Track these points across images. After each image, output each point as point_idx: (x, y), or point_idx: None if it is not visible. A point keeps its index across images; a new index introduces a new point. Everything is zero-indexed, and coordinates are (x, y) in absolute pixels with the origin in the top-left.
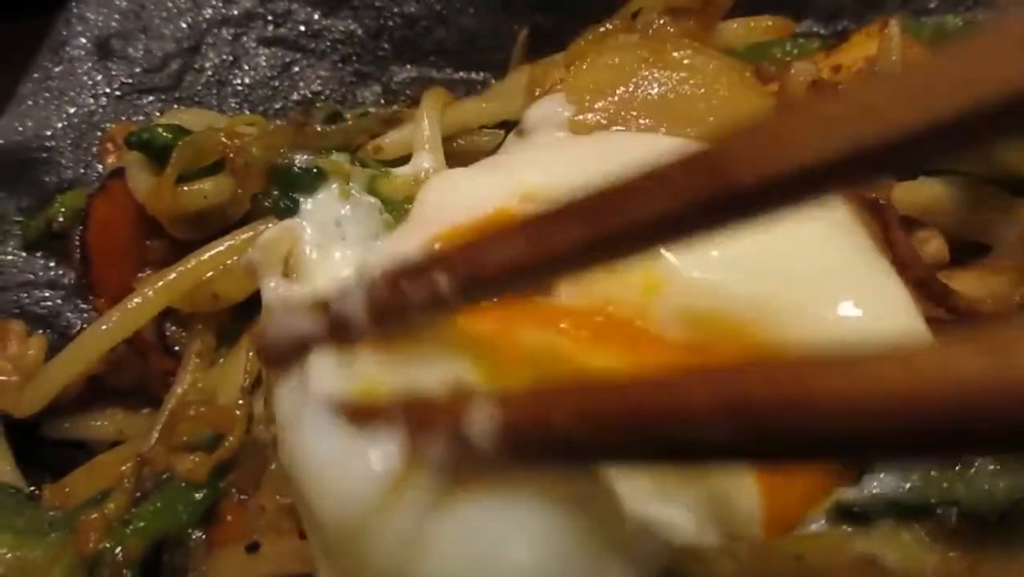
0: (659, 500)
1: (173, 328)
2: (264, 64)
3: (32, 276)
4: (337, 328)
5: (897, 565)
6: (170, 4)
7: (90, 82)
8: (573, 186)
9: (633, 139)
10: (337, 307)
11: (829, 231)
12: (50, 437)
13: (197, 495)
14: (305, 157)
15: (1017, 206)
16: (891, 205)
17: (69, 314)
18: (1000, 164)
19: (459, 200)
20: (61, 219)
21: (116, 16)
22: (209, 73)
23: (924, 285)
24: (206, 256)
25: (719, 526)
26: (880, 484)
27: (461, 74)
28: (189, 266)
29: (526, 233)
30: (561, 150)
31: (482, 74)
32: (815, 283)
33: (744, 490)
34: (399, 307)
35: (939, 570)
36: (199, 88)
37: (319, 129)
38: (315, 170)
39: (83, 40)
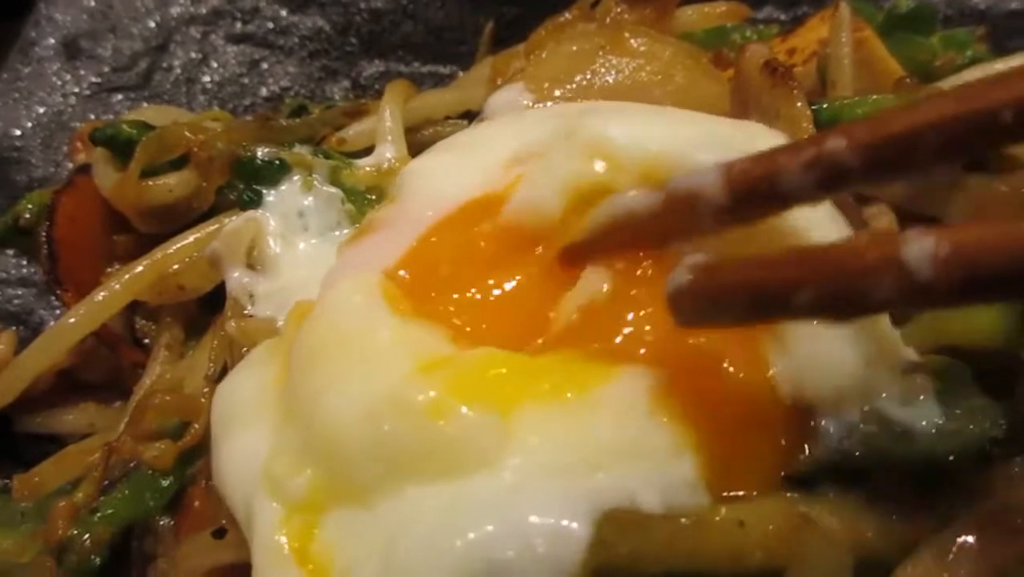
0: (601, 465)
1: (143, 321)
2: (232, 61)
3: (4, 274)
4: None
5: (839, 529)
6: (138, 4)
7: (59, 82)
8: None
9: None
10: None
11: None
12: (23, 432)
13: (164, 482)
14: (268, 150)
15: (966, 180)
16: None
17: (42, 311)
18: None
19: (445, 185)
20: (28, 215)
21: (84, 16)
22: (178, 71)
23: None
24: (172, 249)
25: (660, 493)
26: (825, 451)
27: (428, 67)
28: (155, 259)
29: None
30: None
31: (449, 67)
32: None
33: (686, 458)
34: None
35: (880, 533)
36: (168, 86)
37: (283, 123)
38: (277, 162)
39: (52, 41)
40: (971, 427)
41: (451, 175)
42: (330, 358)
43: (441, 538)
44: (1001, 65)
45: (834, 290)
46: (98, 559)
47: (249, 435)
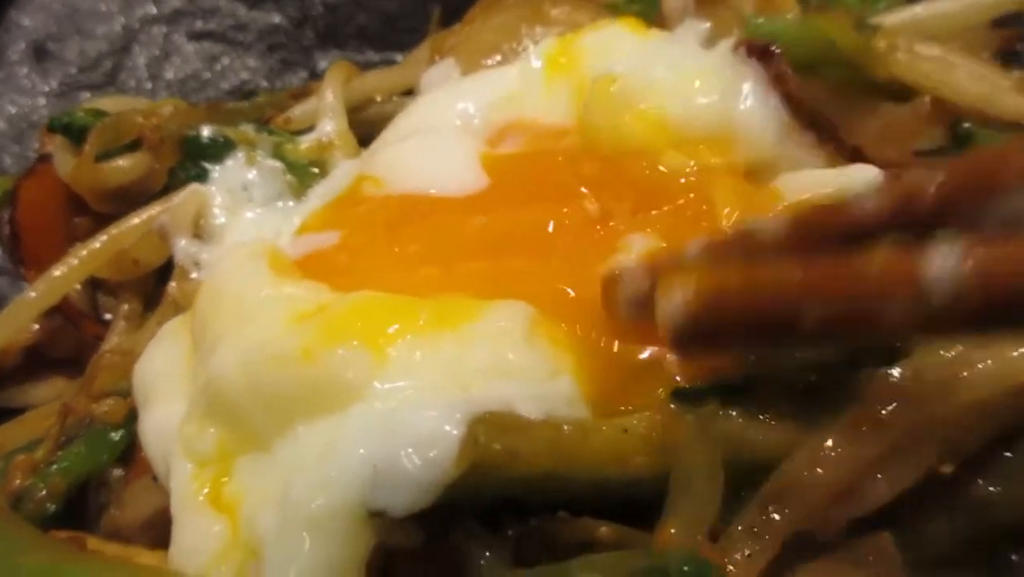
0: (475, 384)
1: (104, 298)
2: (194, 58)
3: None
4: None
5: (723, 440)
6: (102, 6)
7: (29, 84)
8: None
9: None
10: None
11: None
12: None
13: (115, 436)
14: (213, 128)
15: (879, 104)
16: (780, 52)
17: (16, 297)
18: (857, 68)
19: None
20: None
21: (51, 21)
22: (142, 69)
23: (812, 116)
24: (126, 226)
25: (539, 406)
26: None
27: (383, 56)
28: (111, 235)
29: None
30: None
31: (402, 55)
32: None
33: (564, 378)
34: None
35: (758, 440)
36: (132, 84)
37: (231, 105)
38: (222, 139)
39: (21, 45)
40: None
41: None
42: (216, 319)
43: (324, 468)
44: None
45: (844, 313)
46: (53, 507)
47: (164, 405)
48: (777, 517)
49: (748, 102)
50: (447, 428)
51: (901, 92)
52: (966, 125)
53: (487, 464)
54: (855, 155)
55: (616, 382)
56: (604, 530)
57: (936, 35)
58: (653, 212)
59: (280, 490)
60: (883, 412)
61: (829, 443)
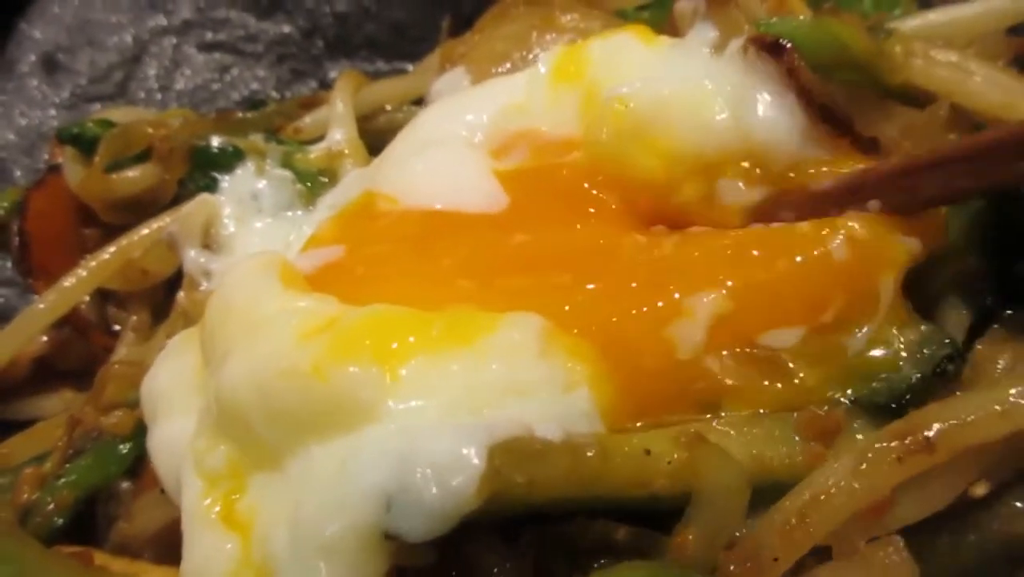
0: (491, 403)
1: (114, 310)
2: (204, 69)
3: None
4: None
5: (739, 451)
6: (113, 18)
7: (39, 96)
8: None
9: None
10: None
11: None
12: (6, 419)
13: (123, 448)
14: (222, 138)
15: (894, 108)
16: (792, 46)
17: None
18: (871, 72)
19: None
20: (1, 212)
21: (62, 33)
22: (152, 80)
23: (827, 110)
24: (135, 237)
25: (558, 425)
26: None
27: (393, 65)
28: (120, 246)
29: None
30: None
31: (412, 65)
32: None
33: (582, 392)
34: None
35: (780, 456)
36: (143, 95)
37: (240, 115)
38: (231, 149)
39: (32, 57)
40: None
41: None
42: (225, 333)
43: (338, 492)
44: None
45: None
46: (61, 520)
47: (174, 419)
48: (798, 534)
49: (765, 108)
50: (467, 457)
51: (913, 98)
52: None
53: (507, 496)
54: (872, 147)
55: (636, 395)
56: (623, 533)
57: (951, 41)
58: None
59: (291, 511)
60: (927, 433)
61: (862, 460)
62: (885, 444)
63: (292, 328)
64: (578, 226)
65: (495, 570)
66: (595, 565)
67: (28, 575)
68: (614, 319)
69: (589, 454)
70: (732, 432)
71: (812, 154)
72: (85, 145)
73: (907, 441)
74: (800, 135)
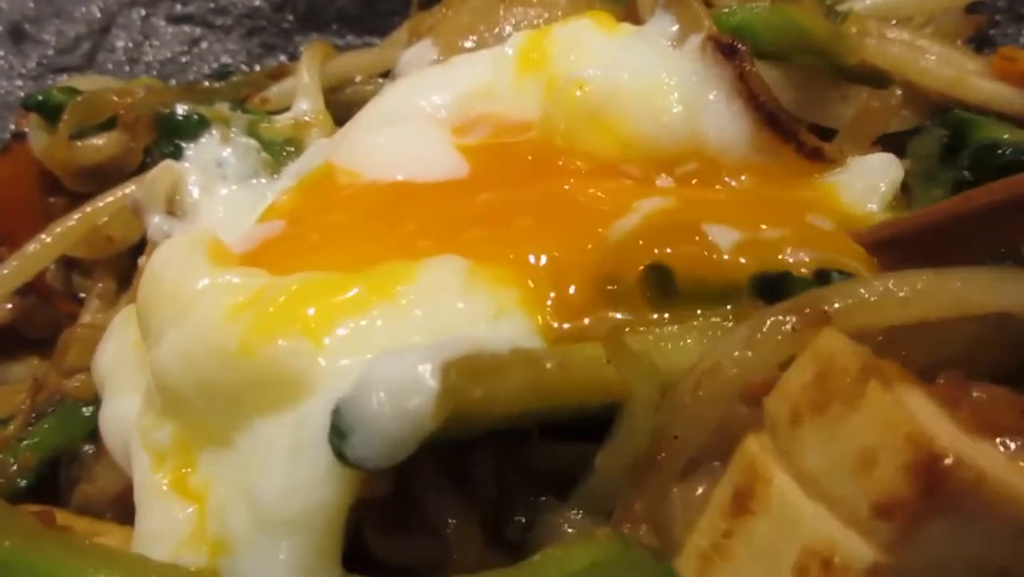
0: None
1: (79, 278)
2: (173, 41)
3: None
4: None
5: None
6: None
7: (6, 66)
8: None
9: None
10: None
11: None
12: None
13: (86, 411)
14: (187, 106)
15: (850, 89)
16: (746, 48)
17: None
18: (828, 54)
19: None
20: None
21: (29, 2)
22: (120, 52)
23: (774, 118)
24: (100, 204)
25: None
26: None
27: (363, 39)
28: (84, 213)
29: None
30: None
31: (381, 39)
32: None
33: (513, 314)
34: None
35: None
36: (111, 66)
37: (206, 85)
38: (196, 117)
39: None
40: None
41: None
42: (156, 311)
43: (294, 472)
44: None
45: None
46: (24, 482)
47: (121, 396)
48: (693, 408)
49: (716, 110)
50: (422, 375)
51: (872, 79)
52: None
53: (465, 412)
54: (815, 154)
55: (566, 309)
56: (576, 452)
57: (909, 20)
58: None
59: (247, 487)
60: (825, 307)
61: (757, 330)
62: (781, 316)
63: (218, 305)
64: (524, 185)
65: (451, 519)
66: (547, 493)
67: None
68: (542, 239)
69: (548, 365)
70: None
71: (756, 160)
72: (50, 113)
73: (804, 312)
74: (746, 140)
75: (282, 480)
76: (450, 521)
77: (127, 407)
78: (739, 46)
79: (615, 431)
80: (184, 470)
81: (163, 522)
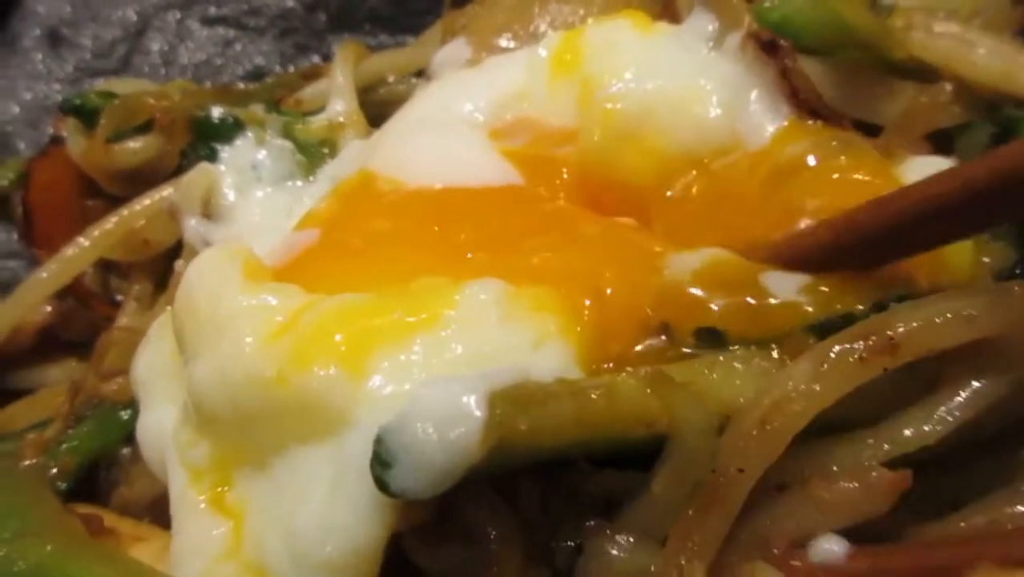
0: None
1: (117, 280)
2: (208, 43)
3: None
4: None
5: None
6: None
7: (44, 70)
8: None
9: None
10: None
11: None
12: (10, 387)
13: (124, 415)
14: (223, 109)
15: (897, 84)
16: (788, 44)
17: None
18: (874, 49)
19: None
20: (6, 183)
21: (67, 8)
22: (155, 55)
23: (818, 116)
24: (137, 207)
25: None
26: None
27: (396, 39)
28: (121, 216)
29: None
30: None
31: (414, 38)
32: None
33: (553, 344)
34: None
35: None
36: (147, 69)
37: (242, 86)
38: (231, 120)
39: (36, 31)
40: None
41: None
42: (191, 329)
43: (333, 511)
44: None
45: None
46: (64, 485)
47: (158, 408)
48: (760, 442)
49: (756, 109)
50: (467, 406)
51: (920, 74)
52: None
53: (510, 442)
54: None
55: (609, 337)
56: (621, 480)
57: (956, 13)
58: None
59: (285, 519)
60: (890, 333)
61: (823, 360)
62: (847, 345)
63: (255, 329)
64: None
65: (492, 529)
66: (592, 518)
67: (31, 532)
68: (590, 267)
69: (594, 396)
70: (706, 370)
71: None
72: (87, 116)
73: (870, 341)
74: None
75: (320, 518)
76: (491, 531)
77: (164, 419)
78: (781, 42)
79: (668, 457)
80: (221, 488)
81: (199, 538)
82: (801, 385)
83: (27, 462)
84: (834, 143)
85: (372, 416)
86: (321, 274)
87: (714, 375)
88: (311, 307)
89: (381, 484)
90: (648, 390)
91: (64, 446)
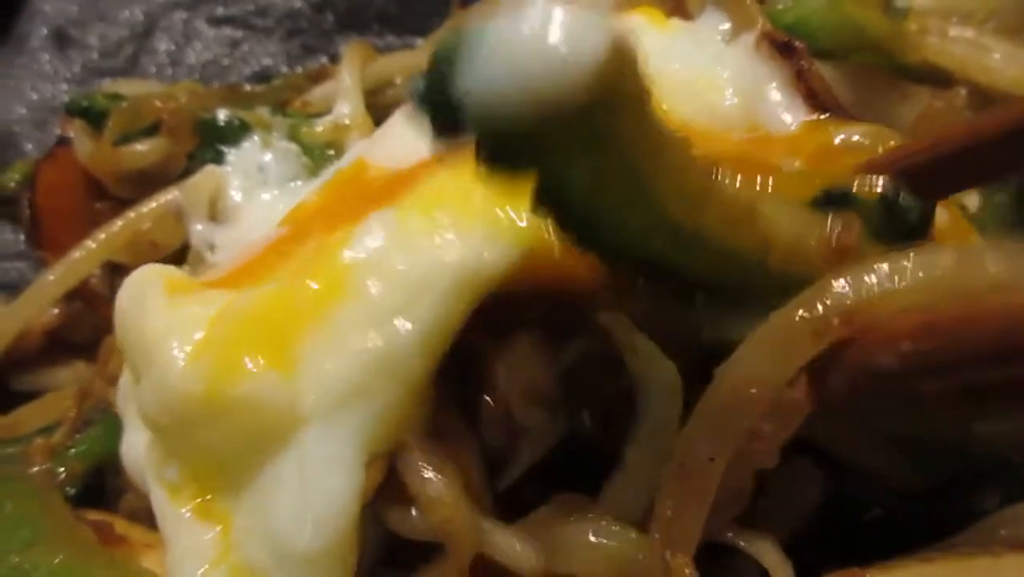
0: None
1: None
2: (215, 43)
3: (2, 248)
4: None
5: None
6: None
7: (51, 70)
8: None
9: None
10: None
11: None
12: (17, 390)
13: None
14: (229, 111)
15: (911, 88)
16: (803, 46)
17: None
18: (888, 52)
19: None
20: (13, 184)
21: (73, 7)
22: (163, 55)
23: (834, 113)
24: (144, 209)
25: None
26: None
27: (404, 40)
28: (128, 219)
29: None
30: None
31: (422, 40)
32: None
33: None
34: None
35: None
36: (154, 69)
37: (248, 88)
38: (237, 122)
39: (43, 31)
40: None
41: None
42: (129, 357)
43: (307, 510)
44: None
45: None
46: (72, 491)
47: (133, 431)
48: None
49: (772, 101)
50: (597, 25)
51: (934, 78)
52: None
53: (610, 108)
54: None
55: None
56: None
57: (971, 16)
58: None
59: (262, 516)
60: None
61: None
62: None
63: (178, 347)
64: None
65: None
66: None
67: (41, 541)
68: None
69: (678, 143)
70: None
71: None
72: (94, 118)
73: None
74: None
75: (293, 511)
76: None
77: (137, 442)
78: (796, 44)
79: (640, 419)
80: (202, 498)
81: (188, 547)
82: (755, 368)
83: (36, 468)
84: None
85: (317, 402)
86: (254, 273)
87: None
88: (224, 313)
89: (439, 77)
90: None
91: (72, 451)
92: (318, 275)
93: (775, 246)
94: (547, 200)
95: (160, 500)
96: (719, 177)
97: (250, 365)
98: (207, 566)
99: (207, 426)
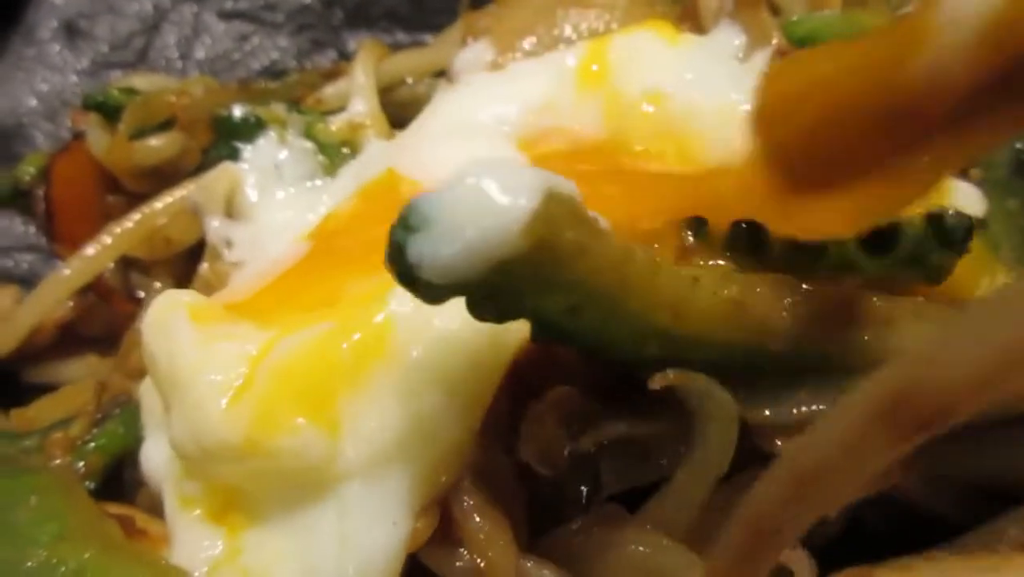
0: None
1: (138, 277)
2: (224, 37)
3: (13, 239)
4: None
5: None
6: None
7: (60, 62)
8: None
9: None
10: None
11: None
12: (30, 383)
13: None
14: (244, 108)
15: None
16: None
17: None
18: None
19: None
20: (28, 178)
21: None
22: (172, 48)
23: None
24: (159, 205)
25: None
26: None
27: (413, 37)
28: (143, 214)
29: None
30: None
31: (431, 36)
32: None
33: None
34: None
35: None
36: (162, 62)
37: (263, 85)
38: (253, 119)
39: (53, 23)
40: None
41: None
42: (158, 384)
43: (346, 546)
44: None
45: None
46: (92, 484)
47: (157, 436)
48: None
49: None
50: (523, 187)
51: None
52: None
53: (551, 252)
54: None
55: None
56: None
57: None
58: None
59: (296, 554)
60: None
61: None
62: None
63: (214, 390)
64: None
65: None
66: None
67: (69, 536)
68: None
69: (639, 256)
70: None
71: None
72: (109, 113)
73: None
74: None
75: (336, 561)
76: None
77: (159, 452)
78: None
79: (694, 447)
80: (223, 502)
81: (195, 548)
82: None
83: (56, 461)
84: None
85: (359, 460)
86: (282, 301)
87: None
88: (265, 355)
89: (396, 251)
90: (724, 290)
91: (91, 445)
92: (358, 328)
93: (773, 334)
94: (539, 332)
95: (173, 506)
96: (697, 281)
97: (292, 420)
98: (211, 568)
99: (239, 464)
